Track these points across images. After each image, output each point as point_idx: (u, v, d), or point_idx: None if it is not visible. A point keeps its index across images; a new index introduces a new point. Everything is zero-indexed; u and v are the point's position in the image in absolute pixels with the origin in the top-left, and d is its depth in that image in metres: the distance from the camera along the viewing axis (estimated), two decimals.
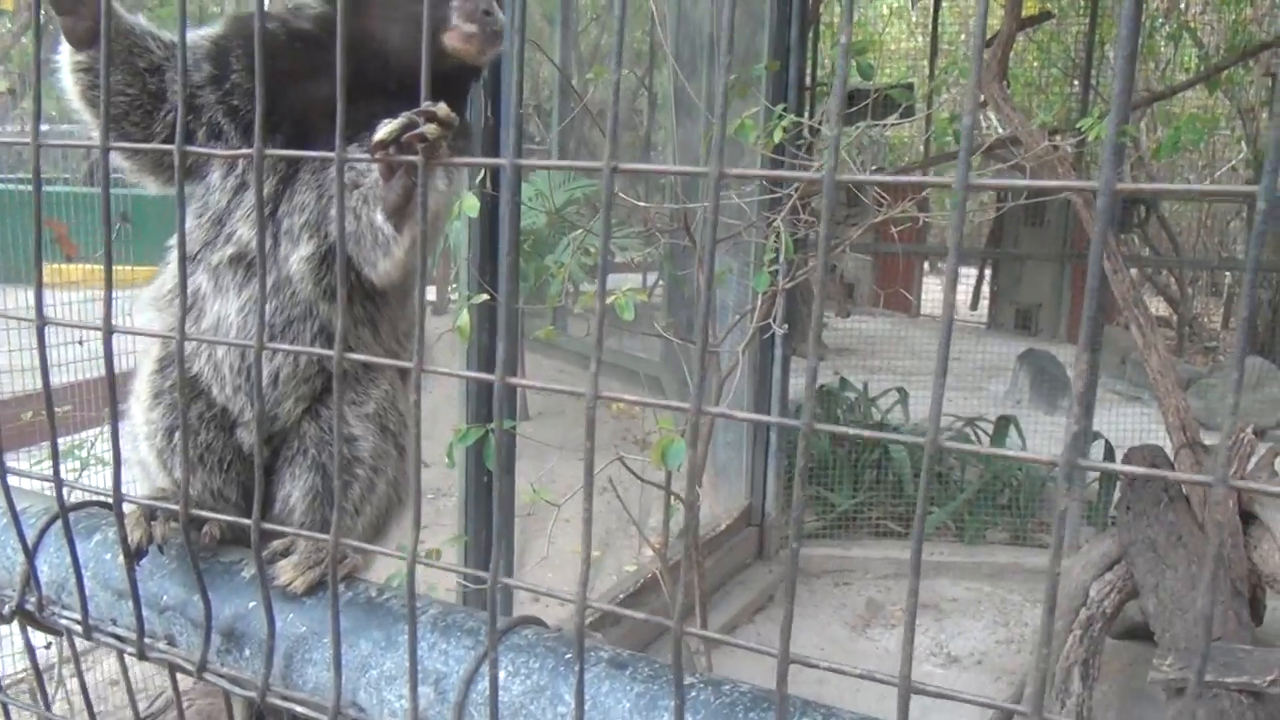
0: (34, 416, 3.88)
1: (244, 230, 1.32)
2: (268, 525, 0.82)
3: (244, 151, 0.78)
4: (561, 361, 9.94)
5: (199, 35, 1.39)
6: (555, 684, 0.78)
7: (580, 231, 5.06)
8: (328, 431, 1.34)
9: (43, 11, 1.14)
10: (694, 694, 0.73)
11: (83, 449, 4.07)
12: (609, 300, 3.91)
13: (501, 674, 0.79)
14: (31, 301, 0.93)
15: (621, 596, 5.18)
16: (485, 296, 3.84)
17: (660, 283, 9.80)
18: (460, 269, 4.30)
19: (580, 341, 9.15)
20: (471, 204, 3.75)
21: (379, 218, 1.25)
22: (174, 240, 1.11)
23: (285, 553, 1.10)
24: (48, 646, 3.25)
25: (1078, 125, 4.19)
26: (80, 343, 3.39)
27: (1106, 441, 6.74)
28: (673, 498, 4.28)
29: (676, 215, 5.09)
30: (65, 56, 1.33)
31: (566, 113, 9.02)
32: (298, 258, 1.32)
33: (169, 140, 1.32)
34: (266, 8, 1.44)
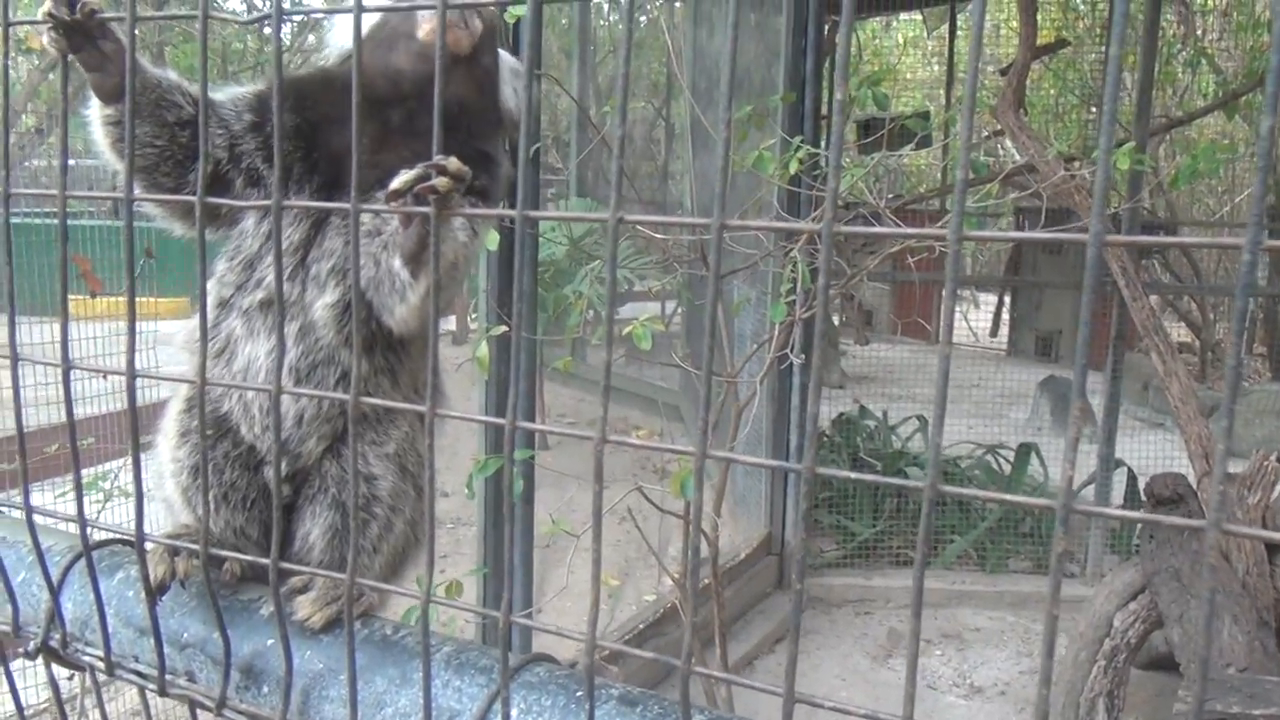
0: (59, 449, 3.93)
1: (273, 276, 1.36)
2: (285, 565, 0.84)
3: (263, 203, 0.81)
4: (580, 390, 9.97)
5: (243, 90, 1.45)
6: None
7: (598, 262, 5.09)
8: (348, 471, 1.37)
9: (70, 66, 1.18)
10: None
11: (106, 480, 4.11)
12: (626, 330, 3.94)
13: (514, 711, 0.80)
14: (59, 335, 0.95)
15: (641, 627, 5.17)
16: (504, 328, 3.87)
17: (680, 310, 9.84)
18: (479, 300, 4.34)
19: (599, 371, 9.16)
20: (492, 237, 3.79)
21: (397, 263, 1.29)
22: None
23: (303, 590, 1.12)
24: (70, 677, 3.28)
25: (1093, 154, 4.19)
26: (104, 376, 3.44)
27: (1129, 469, 6.69)
28: (693, 527, 4.28)
29: (693, 245, 5.12)
30: (94, 111, 1.38)
31: (584, 143, 9.09)
32: (322, 304, 1.36)
33: (209, 185, 1.38)
34: (323, 63, 1.50)
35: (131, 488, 1.47)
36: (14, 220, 1.04)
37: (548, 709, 0.80)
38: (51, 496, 4.12)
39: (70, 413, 0.88)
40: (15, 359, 1.03)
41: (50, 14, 1.15)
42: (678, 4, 9.57)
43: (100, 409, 3.93)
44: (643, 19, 13.26)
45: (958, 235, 0.57)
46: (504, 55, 1.49)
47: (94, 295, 3.57)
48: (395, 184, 0.92)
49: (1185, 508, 4.72)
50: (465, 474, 4.06)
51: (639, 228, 6.10)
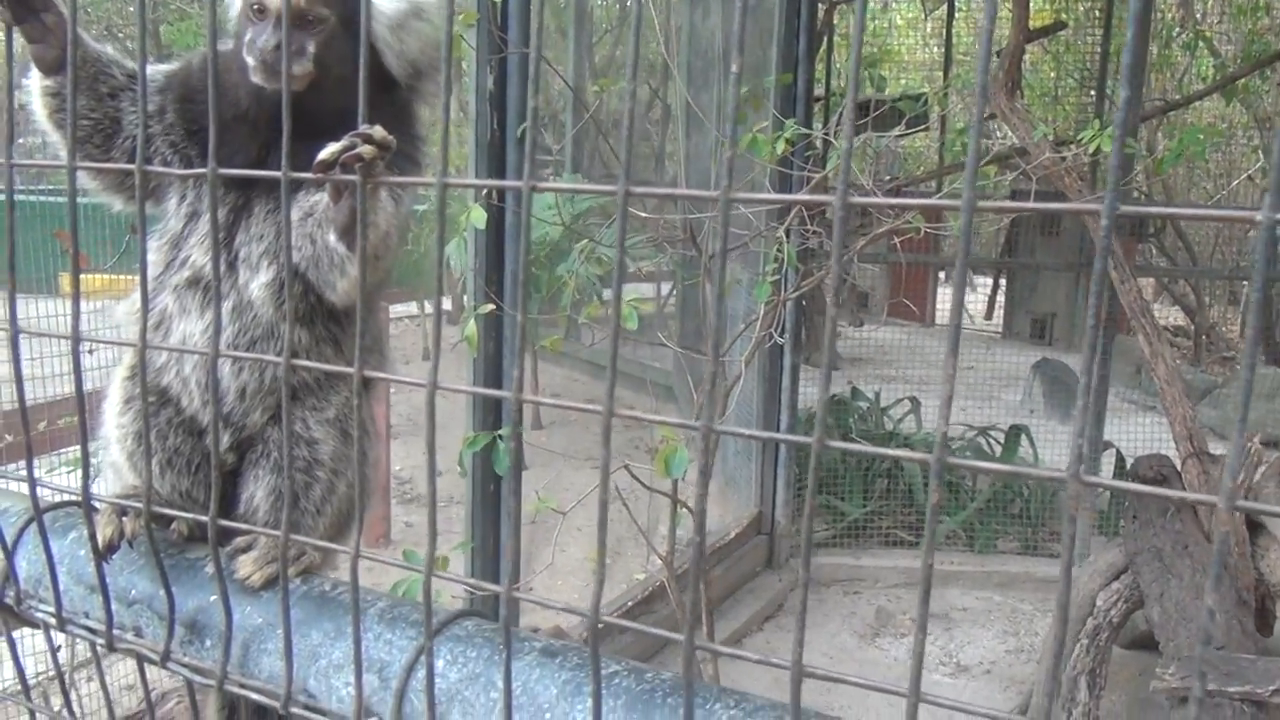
0: (47, 426, 3.95)
1: (198, 255, 1.40)
2: (225, 523, 0.87)
3: (199, 171, 0.83)
4: (571, 370, 9.99)
5: (157, 69, 1.47)
6: (489, 671, 0.82)
7: (586, 241, 5.10)
8: (291, 436, 1.40)
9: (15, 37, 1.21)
10: (617, 681, 0.76)
11: (95, 455, 4.13)
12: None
13: (440, 662, 0.84)
14: (43, 311, 0.98)
15: (630, 604, 5.21)
16: (491, 307, 3.89)
17: (675, 291, 9.85)
18: (467, 279, 4.35)
19: (590, 350, 9.19)
20: (478, 215, 3.80)
21: (332, 239, 1.32)
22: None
23: (246, 549, 1.16)
24: (58, 650, 3.31)
25: (1080, 135, 4.21)
26: (90, 352, 3.46)
27: (1118, 451, 6.73)
28: (679, 506, 4.31)
29: (685, 225, 5.14)
30: (35, 82, 1.41)
31: (578, 121, 9.08)
32: (258, 284, 1.39)
33: (127, 162, 1.42)
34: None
35: (102, 431, 1.50)
36: None
37: (472, 660, 0.83)
38: (42, 472, 4.16)
39: (19, 380, 0.91)
40: (15, 335, 1.05)
41: None
42: None
43: (89, 385, 3.95)
44: None
45: (970, 205, 0.59)
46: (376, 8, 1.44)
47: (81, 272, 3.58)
48: (323, 155, 0.95)
49: (1170, 488, 4.75)
50: (454, 452, 4.09)
51: (632, 209, 6.11)
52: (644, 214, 4.77)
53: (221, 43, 1.46)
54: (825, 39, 10.28)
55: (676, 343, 7.99)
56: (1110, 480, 0.61)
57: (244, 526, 0.88)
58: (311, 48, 1.35)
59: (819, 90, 9.02)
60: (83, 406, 0.90)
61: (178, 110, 1.44)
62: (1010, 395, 9.59)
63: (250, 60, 1.32)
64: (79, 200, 0.91)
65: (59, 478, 4.00)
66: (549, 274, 7.78)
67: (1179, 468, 4.83)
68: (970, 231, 0.64)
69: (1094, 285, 0.63)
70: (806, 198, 4.45)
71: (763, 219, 5.50)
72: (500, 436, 3.82)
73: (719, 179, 0.73)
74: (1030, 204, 0.71)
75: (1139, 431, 7.37)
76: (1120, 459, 6.67)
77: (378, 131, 0.92)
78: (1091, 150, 3.94)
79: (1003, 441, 7.27)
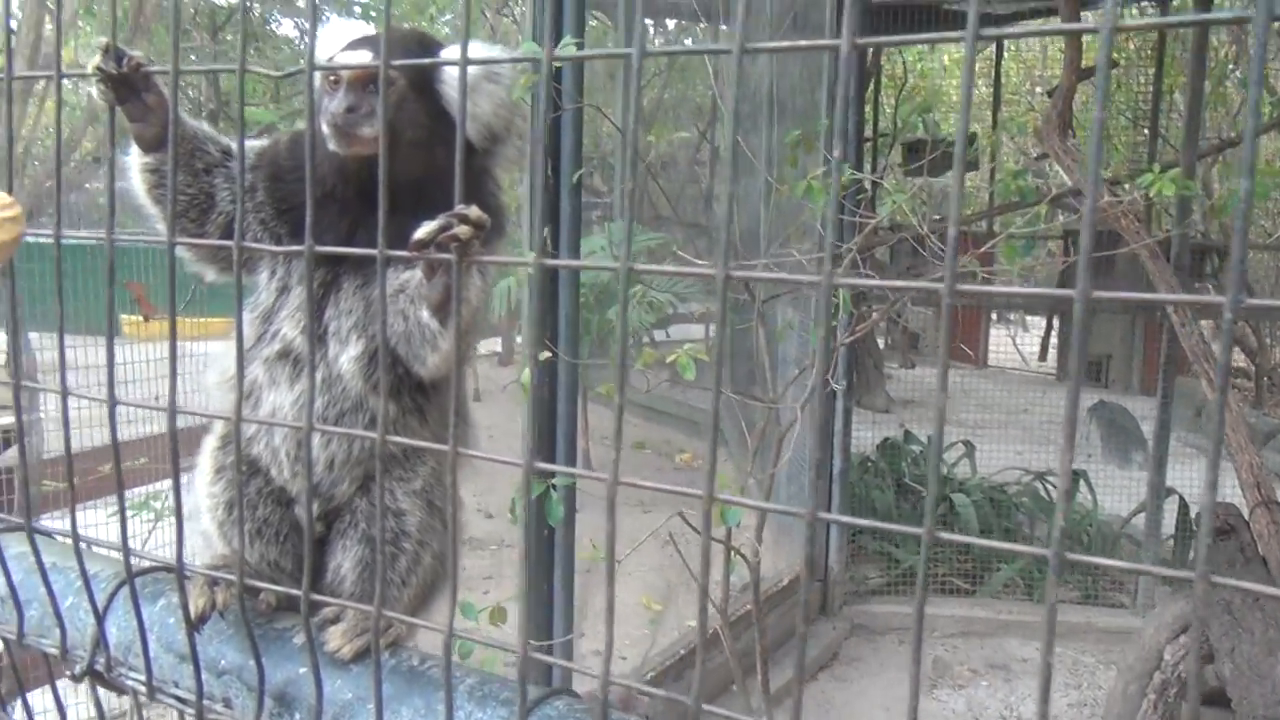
0: (112, 469, 4.01)
1: (288, 329, 1.42)
2: (316, 596, 0.87)
3: (297, 248, 0.84)
4: (625, 413, 9.97)
5: (249, 146, 1.50)
6: None
7: (639, 286, 5.11)
8: (376, 508, 1.40)
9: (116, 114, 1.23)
10: None
11: (158, 500, 4.19)
12: (671, 358, 3.96)
13: None
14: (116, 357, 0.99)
15: (683, 653, 5.16)
16: (548, 354, 3.91)
17: (728, 335, 9.81)
18: (524, 323, 4.38)
19: (642, 393, 9.19)
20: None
21: (425, 315, 1.33)
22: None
23: (335, 620, 1.16)
24: (115, 697, 3.34)
25: (1139, 181, 4.15)
26: (156, 397, 3.52)
27: (1181, 497, 6.57)
28: (733, 553, 4.28)
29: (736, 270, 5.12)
30: (134, 159, 1.45)
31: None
32: (348, 357, 1.41)
33: (222, 237, 1.45)
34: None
35: (192, 501, 1.52)
36: (68, 242, 1.09)
37: None
38: (104, 515, 4.22)
39: (115, 444, 0.92)
40: (65, 392, 1.07)
41: (99, 68, 1.22)
42: (722, 28, 9.62)
43: (153, 428, 4.02)
44: (688, 41, 13.33)
45: (951, 288, 0.59)
46: (445, 72, 1.44)
47: (147, 319, 3.66)
48: (419, 234, 0.95)
49: (1238, 539, 4.63)
50: (509, 495, 4.09)
51: (680, 253, 6.13)
52: (698, 261, 4.77)
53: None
54: (873, 80, 10.31)
55: (727, 385, 7.96)
56: (1091, 557, 0.59)
57: (336, 601, 0.87)
58: (368, 130, 1.37)
59: (867, 131, 9.03)
60: (177, 478, 0.91)
61: (267, 189, 1.47)
62: None
63: (325, 128, 1.34)
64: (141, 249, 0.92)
65: (100, 530, 4.05)
66: (599, 316, 7.82)
67: (1246, 516, 4.71)
68: (950, 316, 0.63)
69: (1218, 381, 0.61)
70: (799, 279, 4.42)
71: (815, 262, 5.49)
72: (553, 485, 3.81)
73: (721, 254, 0.72)
74: (1011, 289, 0.69)
75: (1201, 476, 7.19)
76: (1183, 506, 6.51)
77: (473, 211, 0.93)
78: (1154, 194, 3.89)
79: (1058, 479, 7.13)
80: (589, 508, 7.32)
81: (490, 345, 12.59)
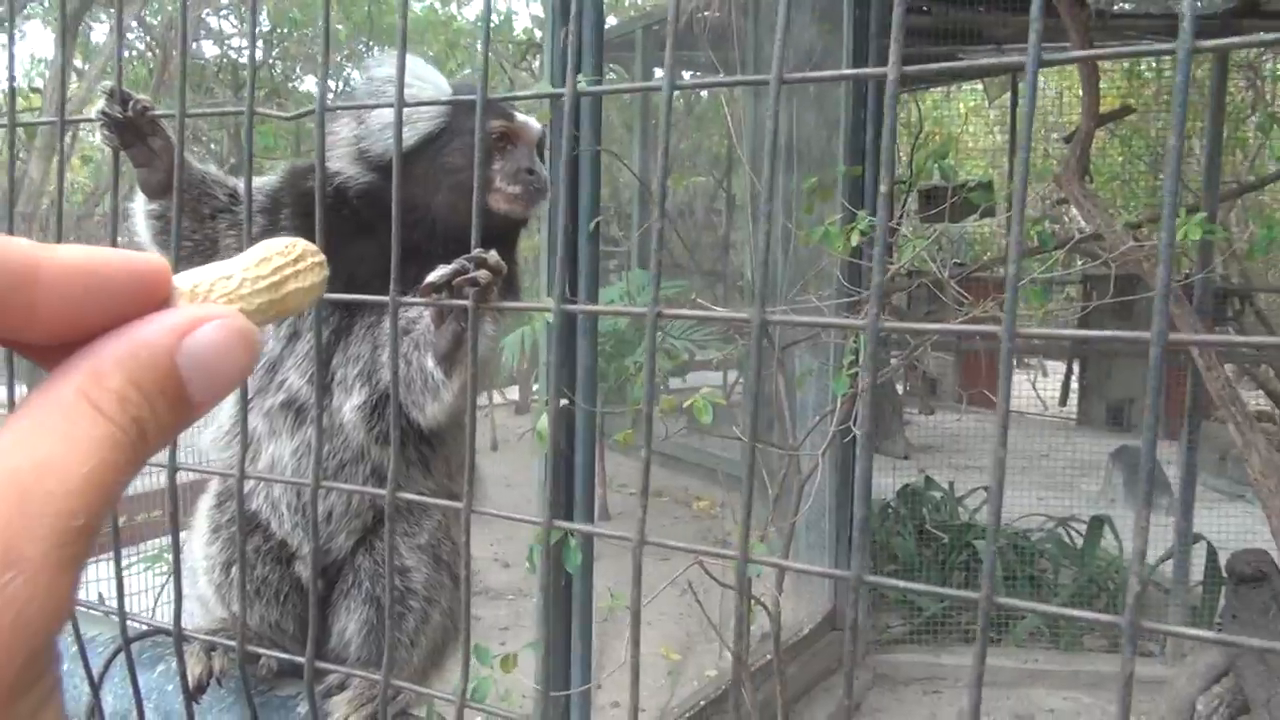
0: (126, 522, 4.00)
1: (294, 378, 1.39)
2: (321, 664, 0.83)
3: (381, 299, 0.82)
4: (640, 460, 9.92)
5: (255, 186, 1.47)
6: None
7: (660, 334, 5.09)
8: (381, 564, 1.37)
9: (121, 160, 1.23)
10: None
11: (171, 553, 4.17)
12: (687, 404, 3.93)
13: None
14: None
15: (703, 704, 5.07)
16: (565, 402, 3.89)
17: (741, 380, 9.79)
18: (541, 371, 4.36)
19: (660, 440, 9.14)
20: (548, 318, 3.83)
21: (429, 363, 1.30)
22: None
23: (341, 688, 1.11)
24: None
25: (1160, 224, 4.11)
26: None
27: (1208, 543, 6.46)
28: (753, 602, 4.21)
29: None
30: (139, 205, 1.43)
31: (646, 216, 9.18)
32: (350, 406, 1.38)
33: None
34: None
35: (188, 562, 1.49)
36: None
37: None
38: (108, 571, 4.20)
39: (115, 520, 0.90)
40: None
41: (104, 112, 1.21)
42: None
43: (166, 481, 4.01)
44: (703, 95, 13.43)
45: (1011, 332, 0.56)
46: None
47: None
48: (433, 277, 0.93)
49: (1270, 586, 4.54)
50: (525, 544, 4.05)
51: (699, 300, 6.12)
52: (715, 308, 4.75)
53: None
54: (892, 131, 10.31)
55: (745, 432, 7.89)
56: (1164, 626, 0.55)
57: (341, 669, 0.84)
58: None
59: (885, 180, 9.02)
60: (176, 539, 0.89)
61: (294, 227, 1.43)
62: (1088, 484, 9.31)
63: (510, 188, 1.34)
64: None
65: (134, 578, 4.03)
66: (617, 364, 7.80)
67: (1278, 563, 4.62)
68: (1010, 360, 0.60)
69: (1147, 419, 0.58)
70: (840, 323, 4.39)
71: (833, 310, 5.46)
72: (571, 533, 3.77)
73: (756, 301, 0.70)
74: (1073, 331, 0.65)
75: (1228, 522, 7.07)
76: (1211, 552, 6.39)
77: (492, 256, 0.91)
78: (1180, 239, 3.85)
79: (1084, 534, 7.02)
80: (607, 556, 7.27)
81: (508, 394, 12.58)
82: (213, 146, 13.57)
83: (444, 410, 1.33)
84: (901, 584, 0.59)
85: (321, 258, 0.54)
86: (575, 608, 4.23)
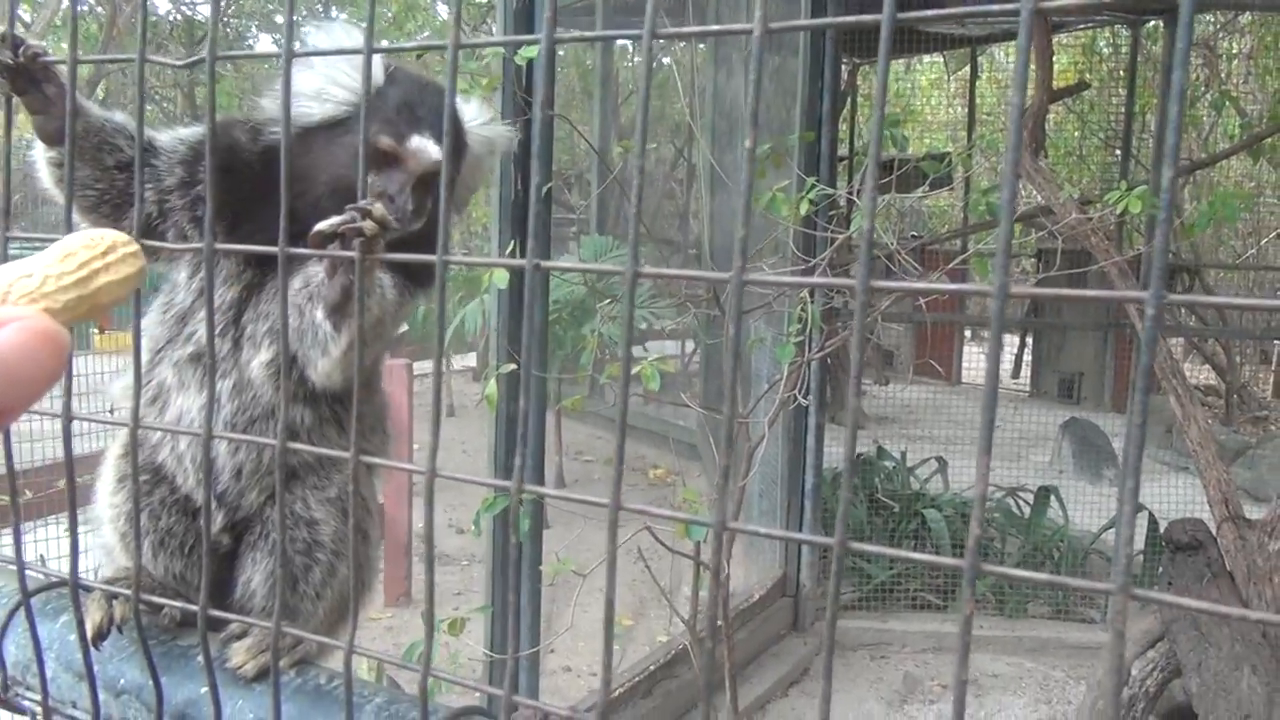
0: (41, 493, 3.94)
1: (203, 331, 1.36)
2: (216, 613, 0.83)
3: (196, 245, 0.81)
4: (594, 427, 9.95)
5: (176, 138, 1.44)
6: None
7: (609, 301, 5.08)
8: (289, 517, 1.36)
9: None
10: None
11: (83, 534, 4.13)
12: (635, 370, 3.93)
13: None
14: (75, 369, 0.95)
15: (653, 668, 5.11)
16: (513, 366, 3.87)
17: (697, 350, 9.81)
18: (492, 337, 4.35)
19: (612, 408, 9.15)
20: (501, 275, 3.82)
21: (319, 315, 1.29)
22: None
23: (241, 636, 1.11)
24: None
25: (1107, 198, 4.17)
26: (111, 411, 3.47)
27: (1150, 514, 6.59)
28: (702, 567, 4.24)
29: (707, 286, 5.12)
30: (39, 152, 1.40)
31: (603, 182, 9.14)
32: (258, 363, 1.37)
33: (142, 235, 1.39)
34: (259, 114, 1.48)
35: (95, 510, 1.47)
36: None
37: None
38: (57, 531, 4.15)
39: (10, 461, 0.88)
40: None
41: None
42: (700, 45, 9.65)
43: (99, 444, 3.97)
44: (665, 59, 13.36)
45: (1003, 291, 0.55)
46: (468, 135, 1.47)
47: (101, 331, 3.60)
48: (321, 226, 0.92)
49: (1205, 554, 4.63)
50: (474, 511, 4.05)
51: (656, 268, 6.11)
52: (696, 272, 4.75)
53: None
54: (849, 100, 10.34)
55: (699, 400, 7.94)
56: (1158, 595, 0.56)
57: (235, 617, 0.84)
58: (429, 203, 1.38)
59: (843, 150, 9.06)
60: (73, 485, 0.87)
61: (217, 181, 1.41)
62: (1038, 455, 9.45)
63: (369, 201, 1.33)
64: None
65: (54, 545, 3.98)
66: (573, 332, 7.79)
67: (1214, 532, 4.71)
68: (1002, 316, 0.60)
69: (1139, 383, 0.59)
70: (830, 281, 4.41)
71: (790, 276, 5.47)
72: (521, 500, 3.77)
73: (737, 257, 0.70)
74: (1063, 291, 0.67)
75: (1171, 494, 7.22)
76: (1153, 522, 6.52)
77: (378, 208, 0.90)
78: (1121, 211, 3.90)
79: (1031, 503, 7.14)
80: (557, 523, 7.28)
81: (465, 361, 12.53)
82: (165, 105, 13.31)
83: (333, 366, 1.32)
84: (889, 551, 0.59)
85: (135, 248, 0.52)
86: (524, 572, 4.24)
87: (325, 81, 1.36)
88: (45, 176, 1.41)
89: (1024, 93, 0.66)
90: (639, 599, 6.38)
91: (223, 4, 13.62)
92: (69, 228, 0.86)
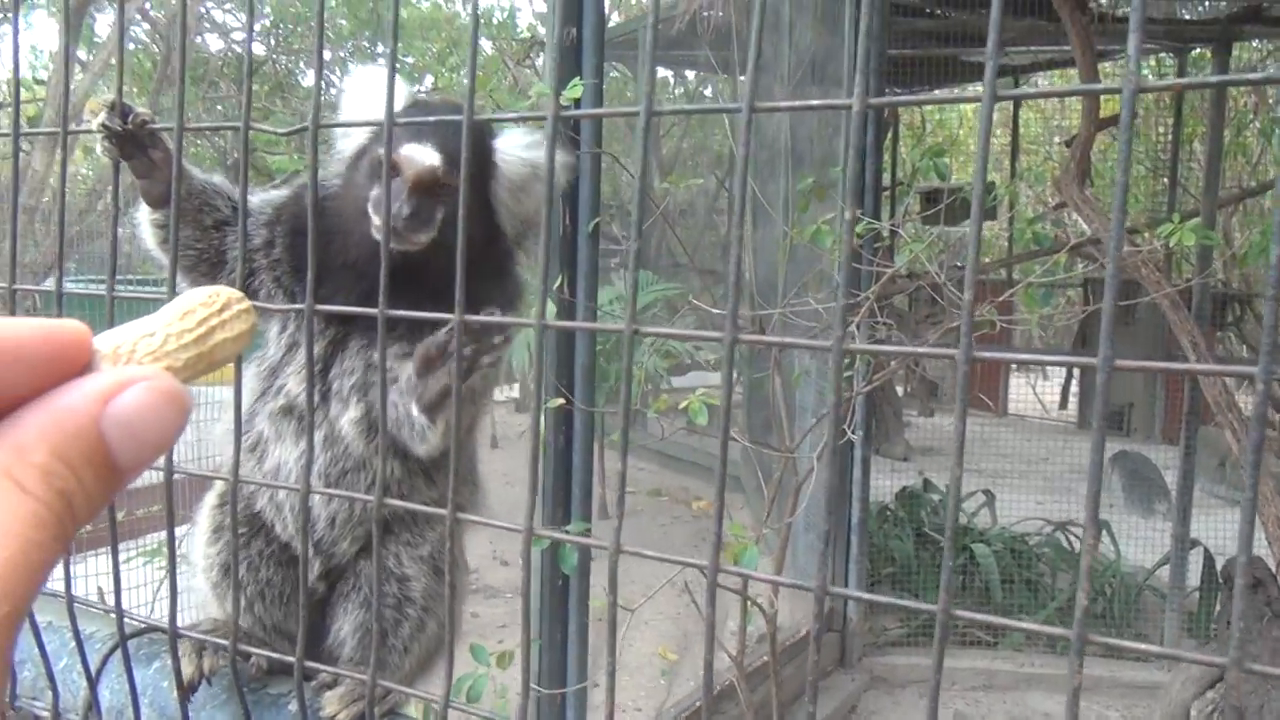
0: (126, 515, 4.02)
1: (293, 385, 1.40)
2: (310, 664, 0.84)
3: (297, 306, 0.83)
4: (639, 459, 9.94)
5: (264, 200, 1.49)
6: None
7: (652, 336, 5.09)
8: (382, 571, 1.38)
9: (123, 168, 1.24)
10: None
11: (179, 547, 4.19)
12: (683, 405, 3.93)
13: None
14: None
15: (698, 704, 5.08)
16: (561, 401, 3.89)
17: (740, 380, 9.79)
18: (535, 373, 4.37)
19: (658, 440, 9.16)
20: (550, 310, 3.84)
21: (414, 410, 1.31)
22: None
23: (332, 685, 1.13)
24: None
25: (1159, 230, 4.13)
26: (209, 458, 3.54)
27: (1206, 549, 6.46)
28: (749, 604, 4.22)
29: (753, 319, 5.13)
30: (143, 214, 1.45)
31: (646, 215, 9.18)
32: (347, 419, 1.40)
33: None
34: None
35: (189, 559, 1.50)
36: (81, 289, 1.08)
37: None
38: (121, 559, 4.20)
39: (113, 518, 0.90)
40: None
41: (104, 125, 1.22)
42: (741, 78, 9.71)
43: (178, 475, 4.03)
44: (706, 91, 13.43)
45: (967, 355, 0.57)
46: (501, 155, 1.47)
47: None
48: (421, 351, 0.93)
49: (1265, 591, 4.54)
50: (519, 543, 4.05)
51: (696, 303, 6.12)
52: (714, 309, 4.76)
53: (325, 176, 1.47)
54: (891, 130, 10.34)
55: (744, 433, 7.91)
56: (1273, 670, 0.56)
57: (330, 669, 0.85)
58: (439, 215, 1.38)
59: (886, 180, 9.05)
60: (172, 536, 0.89)
61: (286, 245, 1.46)
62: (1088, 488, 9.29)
63: (376, 219, 1.33)
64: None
65: (135, 571, 4.05)
66: (617, 365, 7.81)
67: (1274, 570, 4.62)
68: (967, 383, 0.60)
69: (1251, 438, 0.59)
70: (810, 344, 4.40)
71: (832, 311, 5.46)
72: (565, 531, 3.78)
73: (729, 320, 0.71)
74: (1025, 355, 0.67)
75: (1227, 528, 7.07)
76: (1209, 558, 6.40)
77: (479, 323, 0.91)
78: (1174, 244, 3.86)
79: (1082, 538, 7.03)
80: (604, 556, 7.29)
81: (508, 392, 12.59)
82: (218, 140, 13.56)
83: (434, 449, 1.35)
84: (866, 596, 0.59)
85: (247, 304, 0.53)
86: (571, 607, 4.23)
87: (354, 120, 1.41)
88: (148, 237, 1.46)
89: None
90: (684, 633, 6.35)
91: (269, 41, 13.87)
92: (173, 287, 0.89)
